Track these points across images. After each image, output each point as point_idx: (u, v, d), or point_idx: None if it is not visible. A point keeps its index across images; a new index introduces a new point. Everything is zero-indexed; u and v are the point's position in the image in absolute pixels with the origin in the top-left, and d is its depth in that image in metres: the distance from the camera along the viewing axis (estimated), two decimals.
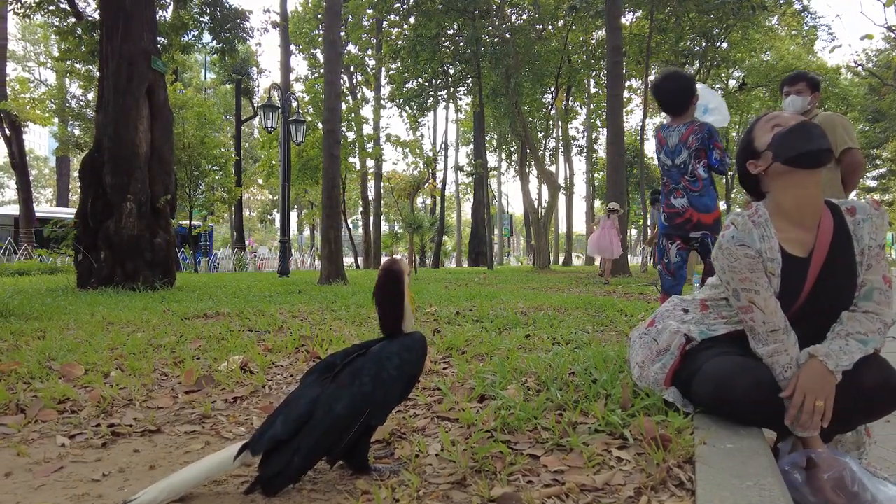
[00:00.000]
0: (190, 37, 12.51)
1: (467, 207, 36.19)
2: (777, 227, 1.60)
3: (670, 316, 1.82)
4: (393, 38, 21.00)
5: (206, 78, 34.47)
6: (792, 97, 3.60)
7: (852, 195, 3.95)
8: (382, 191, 27.32)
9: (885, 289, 1.56)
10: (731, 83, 25.71)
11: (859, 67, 25.36)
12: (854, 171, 3.50)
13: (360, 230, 29.67)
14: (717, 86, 24.49)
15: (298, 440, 1.23)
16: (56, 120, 21.68)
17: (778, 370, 1.53)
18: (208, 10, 11.78)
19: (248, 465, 1.28)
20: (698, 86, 3.44)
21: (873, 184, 34.57)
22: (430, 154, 27.25)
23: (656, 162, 3.62)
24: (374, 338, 1.46)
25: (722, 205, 25.76)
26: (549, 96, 22.97)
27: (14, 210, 20.12)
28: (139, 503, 1.14)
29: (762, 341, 1.56)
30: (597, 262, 17.48)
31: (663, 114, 3.62)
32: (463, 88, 23.33)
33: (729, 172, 16.87)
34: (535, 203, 21.67)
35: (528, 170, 21.76)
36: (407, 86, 21.02)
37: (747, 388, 1.50)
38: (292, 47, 25.08)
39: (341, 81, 12.92)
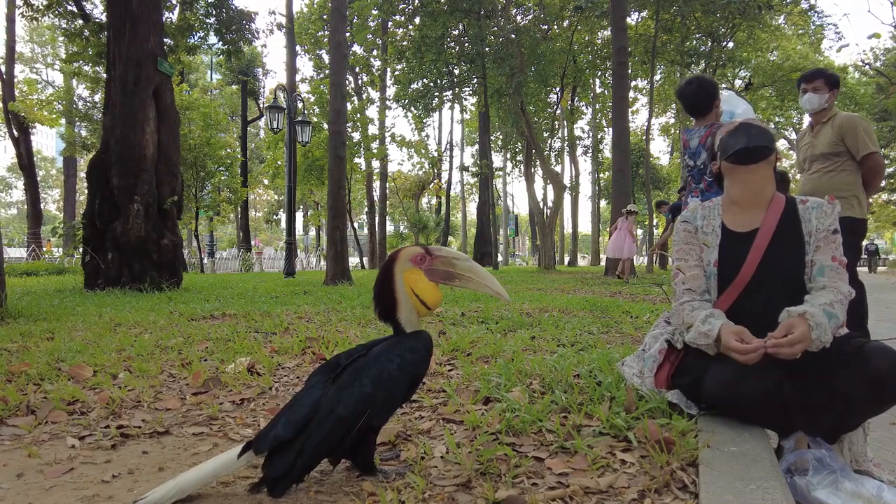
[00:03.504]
0: (196, 38, 12.58)
1: (472, 208, 36.16)
2: (728, 212, 1.85)
3: (656, 326, 2.00)
4: (398, 38, 21.02)
5: (211, 79, 34.59)
6: (809, 95, 3.53)
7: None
8: (388, 191, 27.34)
9: (835, 266, 1.71)
10: (738, 83, 25.58)
11: (867, 66, 25.21)
12: (876, 174, 3.50)
13: (366, 230, 29.71)
14: (723, 86, 24.36)
15: (301, 441, 1.23)
16: (63, 121, 21.82)
17: (694, 323, 1.69)
18: (214, 12, 11.85)
19: (254, 465, 1.29)
20: (724, 92, 3.43)
21: (881, 183, 34.12)
22: (436, 154, 27.26)
23: (681, 163, 3.64)
24: (380, 338, 1.46)
25: None
26: (555, 96, 22.94)
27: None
28: (147, 503, 1.16)
29: (677, 297, 1.82)
30: (602, 263, 17.48)
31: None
32: (468, 89, 23.31)
33: None
34: (541, 203, 21.66)
35: (533, 170, 21.75)
36: (412, 86, 21.02)
37: (754, 384, 1.54)
38: (298, 48, 25.16)
39: (346, 82, 12.95)
